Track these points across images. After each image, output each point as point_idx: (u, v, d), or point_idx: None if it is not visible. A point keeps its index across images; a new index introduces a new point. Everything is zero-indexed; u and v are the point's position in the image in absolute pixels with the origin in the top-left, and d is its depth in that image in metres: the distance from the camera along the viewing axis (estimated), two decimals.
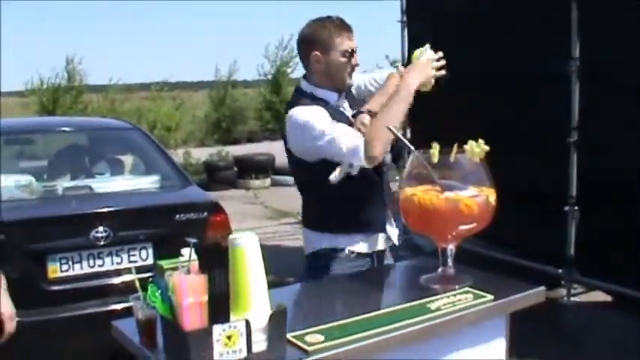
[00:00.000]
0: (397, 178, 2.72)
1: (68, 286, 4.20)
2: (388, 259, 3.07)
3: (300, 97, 2.99)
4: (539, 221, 5.46)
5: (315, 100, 2.94)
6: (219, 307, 1.71)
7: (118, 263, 4.28)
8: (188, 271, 1.77)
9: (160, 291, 1.79)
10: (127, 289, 4.26)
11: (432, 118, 5.44)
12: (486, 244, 5.51)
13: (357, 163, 2.71)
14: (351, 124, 2.90)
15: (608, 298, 5.62)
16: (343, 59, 2.92)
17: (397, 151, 3.19)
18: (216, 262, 1.69)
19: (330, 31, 2.92)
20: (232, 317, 1.73)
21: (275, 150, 12.25)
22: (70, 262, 4.20)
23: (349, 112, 3.03)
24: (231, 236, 1.79)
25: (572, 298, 5.80)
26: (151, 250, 4.33)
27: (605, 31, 4.91)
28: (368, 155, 2.66)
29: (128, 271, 4.25)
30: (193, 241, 1.78)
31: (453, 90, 5.93)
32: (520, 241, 5.72)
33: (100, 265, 4.26)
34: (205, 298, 1.70)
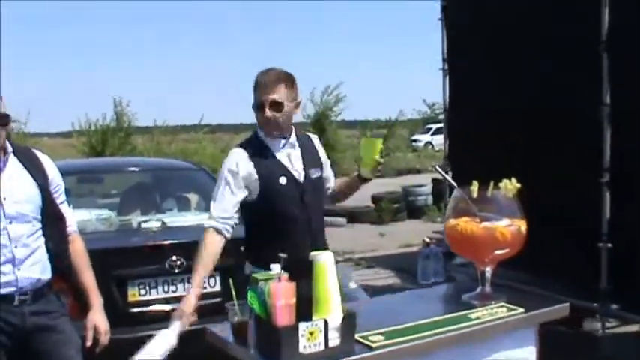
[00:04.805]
0: None
1: (145, 309, 4.72)
2: None
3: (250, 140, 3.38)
4: (575, 255, 5.72)
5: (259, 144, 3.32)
6: (305, 308, 2.19)
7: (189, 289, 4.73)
8: (279, 280, 2.24)
9: (256, 295, 2.26)
10: (197, 313, 4.71)
11: (472, 155, 5.75)
12: (524, 278, 5.72)
13: None
14: (286, 175, 3.30)
15: None
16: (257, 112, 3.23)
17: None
18: (303, 272, 2.17)
19: (255, 81, 3.23)
20: (314, 317, 2.20)
21: None
22: (148, 287, 4.72)
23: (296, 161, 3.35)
24: (312, 253, 2.27)
25: (607, 330, 5.97)
26: (218, 278, 4.80)
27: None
28: None
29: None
30: (283, 256, 2.25)
31: (492, 127, 6.33)
32: (556, 274, 5.91)
33: (174, 291, 4.75)
34: (293, 300, 2.18)
